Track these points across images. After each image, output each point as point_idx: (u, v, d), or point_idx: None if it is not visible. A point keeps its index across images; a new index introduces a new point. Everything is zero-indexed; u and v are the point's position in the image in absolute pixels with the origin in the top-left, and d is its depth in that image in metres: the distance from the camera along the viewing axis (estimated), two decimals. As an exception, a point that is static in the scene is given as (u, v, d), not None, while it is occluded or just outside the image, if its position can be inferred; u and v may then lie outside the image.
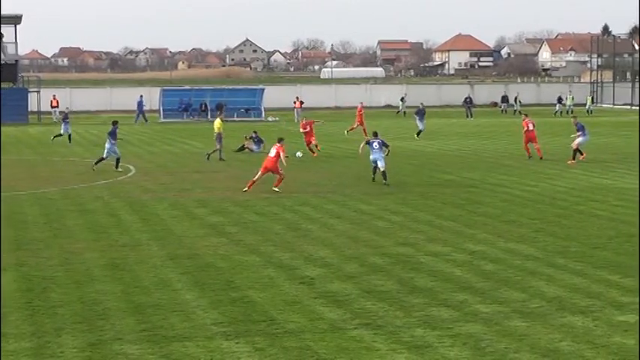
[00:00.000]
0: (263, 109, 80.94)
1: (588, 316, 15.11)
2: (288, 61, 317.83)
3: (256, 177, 30.88)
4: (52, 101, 79.95)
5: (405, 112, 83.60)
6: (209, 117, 78.05)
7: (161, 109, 79.83)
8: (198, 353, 13.31)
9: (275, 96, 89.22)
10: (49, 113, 78.56)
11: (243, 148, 45.91)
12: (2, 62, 76.79)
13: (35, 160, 43.08)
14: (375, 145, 33.09)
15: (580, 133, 40.63)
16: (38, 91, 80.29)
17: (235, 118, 77.09)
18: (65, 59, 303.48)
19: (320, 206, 27.76)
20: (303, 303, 16.11)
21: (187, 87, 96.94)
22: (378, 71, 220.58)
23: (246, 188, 30.60)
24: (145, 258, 20.09)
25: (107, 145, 37.44)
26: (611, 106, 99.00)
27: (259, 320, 14.97)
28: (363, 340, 13.92)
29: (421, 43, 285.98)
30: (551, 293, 16.68)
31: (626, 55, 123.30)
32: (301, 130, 45.57)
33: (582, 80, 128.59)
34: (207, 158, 41.95)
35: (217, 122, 42.92)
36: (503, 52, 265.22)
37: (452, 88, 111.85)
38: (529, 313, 15.37)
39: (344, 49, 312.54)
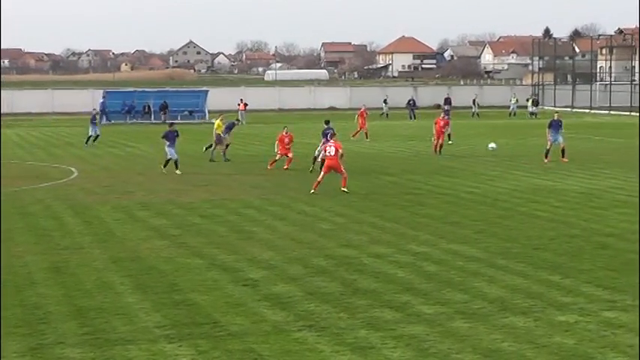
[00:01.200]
0: (207, 112, 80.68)
1: (529, 317, 15.26)
2: (232, 63, 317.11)
3: (320, 177, 31.03)
4: (-8, 103, 79.15)
5: (387, 115, 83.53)
6: (152, 119, 77.82)
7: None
8: (141, 357, 13.23)
9: (219, 98, 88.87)
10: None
11: (211, 146, 44.58)
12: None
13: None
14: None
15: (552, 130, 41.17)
16: (-22, 93, 79.48)
17: (179, 121, 76.84)
18: (6, 60, 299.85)
19: (264, 208, 27.74)
20: (246, 305, 16.08)
21: (131, 89, 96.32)
22: (322, 73, 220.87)
23: (312, 190, 30.72)
24: (87, 261, 19.93)
25: (166, 148, 37.97)
26: (552, 107, 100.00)
27: (202, 323, 14.91)
28: (307, 341, 13.93)
29: (365, 46, 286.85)
30: (493, 294, 16.82)
31: (566, 58, 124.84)
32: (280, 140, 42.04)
33: (524, 82, 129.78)
34: (211, 160, 42.29)
35: (217, 123, 43.22)
36: (447, 54, 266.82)
37: (395, 90, 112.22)
38: (471, 313, 15.48)
39: (288, 51, 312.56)
